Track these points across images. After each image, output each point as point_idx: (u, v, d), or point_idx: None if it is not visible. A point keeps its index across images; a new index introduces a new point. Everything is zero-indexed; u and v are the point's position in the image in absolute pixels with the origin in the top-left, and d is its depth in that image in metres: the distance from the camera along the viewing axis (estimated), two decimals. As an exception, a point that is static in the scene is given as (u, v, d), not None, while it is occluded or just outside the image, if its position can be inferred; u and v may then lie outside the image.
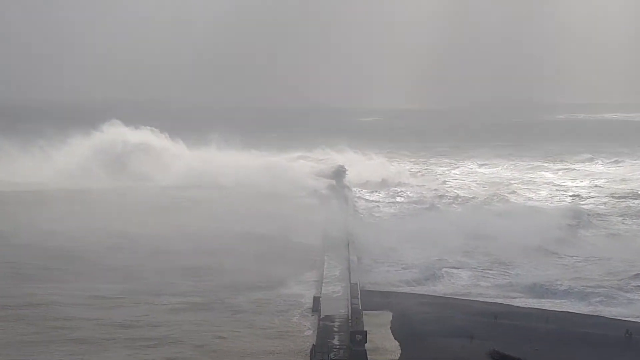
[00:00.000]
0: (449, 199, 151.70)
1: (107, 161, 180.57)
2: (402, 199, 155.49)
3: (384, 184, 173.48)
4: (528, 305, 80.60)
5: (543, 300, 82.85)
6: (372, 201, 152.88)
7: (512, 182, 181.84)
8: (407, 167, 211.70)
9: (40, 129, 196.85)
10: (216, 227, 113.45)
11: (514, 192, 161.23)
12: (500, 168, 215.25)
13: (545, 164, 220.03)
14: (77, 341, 64.16)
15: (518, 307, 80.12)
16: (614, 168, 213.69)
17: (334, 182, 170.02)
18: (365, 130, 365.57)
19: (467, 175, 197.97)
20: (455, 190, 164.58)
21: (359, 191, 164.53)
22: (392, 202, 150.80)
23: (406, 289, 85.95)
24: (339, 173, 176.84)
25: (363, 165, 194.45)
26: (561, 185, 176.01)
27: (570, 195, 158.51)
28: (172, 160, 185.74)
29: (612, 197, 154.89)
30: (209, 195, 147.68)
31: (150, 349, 63.05)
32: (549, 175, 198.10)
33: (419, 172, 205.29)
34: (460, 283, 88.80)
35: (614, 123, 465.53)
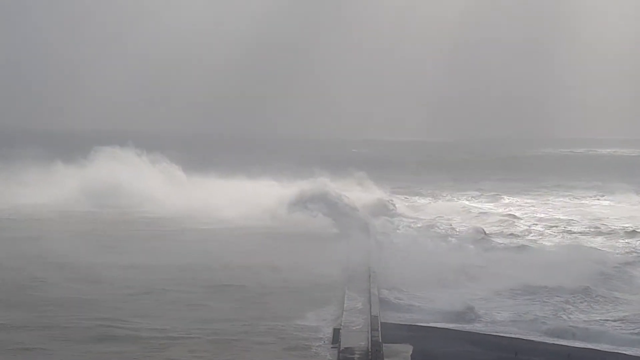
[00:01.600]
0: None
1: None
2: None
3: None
4: (549, 342, 79.97)
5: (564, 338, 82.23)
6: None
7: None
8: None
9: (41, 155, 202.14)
10: (229, 260, 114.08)
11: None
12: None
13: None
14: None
15: (539, 342, 79.47)
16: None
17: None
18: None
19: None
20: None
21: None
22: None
23: (427, 322, 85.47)
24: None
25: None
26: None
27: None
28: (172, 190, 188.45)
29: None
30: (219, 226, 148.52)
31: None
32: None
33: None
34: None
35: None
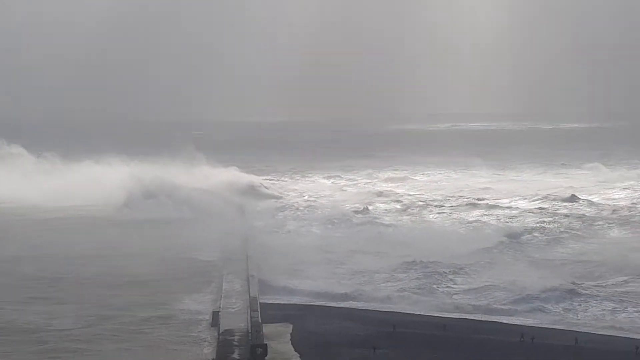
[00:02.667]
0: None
1: None
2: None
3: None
4: (426, 314, 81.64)
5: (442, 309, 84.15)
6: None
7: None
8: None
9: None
10: (108, 246, 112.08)
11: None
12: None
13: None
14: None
15: (416, 314, 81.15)
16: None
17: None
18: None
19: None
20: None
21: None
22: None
23: (306, 301, 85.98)
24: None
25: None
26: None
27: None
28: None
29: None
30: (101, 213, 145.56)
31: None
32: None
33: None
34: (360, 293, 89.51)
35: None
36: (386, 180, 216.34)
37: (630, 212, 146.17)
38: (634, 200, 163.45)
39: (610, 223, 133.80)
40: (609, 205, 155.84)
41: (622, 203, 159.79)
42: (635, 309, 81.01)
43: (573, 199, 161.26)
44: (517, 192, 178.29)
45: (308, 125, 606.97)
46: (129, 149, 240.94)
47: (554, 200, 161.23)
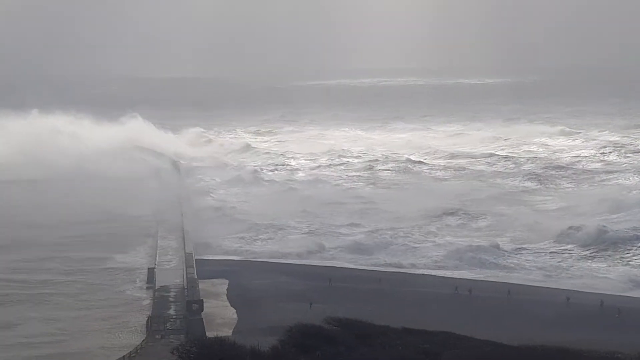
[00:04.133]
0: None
1: None
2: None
3: None
4: (360, 267, 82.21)
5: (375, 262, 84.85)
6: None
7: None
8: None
9: None
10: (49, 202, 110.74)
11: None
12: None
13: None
14: None
15: (351, 269, 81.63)
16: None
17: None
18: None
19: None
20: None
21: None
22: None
23: (242, 257, 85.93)
24: None
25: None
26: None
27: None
28: None
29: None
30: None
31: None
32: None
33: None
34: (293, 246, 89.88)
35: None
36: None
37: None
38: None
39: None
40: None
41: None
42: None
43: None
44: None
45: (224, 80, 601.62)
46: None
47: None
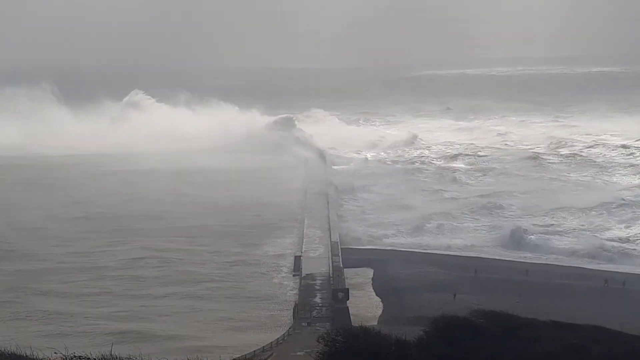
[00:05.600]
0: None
1: None
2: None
3: None
4: (508, 259, 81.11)
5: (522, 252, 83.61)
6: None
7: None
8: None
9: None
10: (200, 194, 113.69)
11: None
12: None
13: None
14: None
15: (498, 259, 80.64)
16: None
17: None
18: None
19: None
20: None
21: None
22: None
23: (387, 246, 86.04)
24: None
25: None
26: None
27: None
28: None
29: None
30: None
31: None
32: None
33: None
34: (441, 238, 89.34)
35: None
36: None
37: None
38: None
39: None
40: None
41: None
42: None
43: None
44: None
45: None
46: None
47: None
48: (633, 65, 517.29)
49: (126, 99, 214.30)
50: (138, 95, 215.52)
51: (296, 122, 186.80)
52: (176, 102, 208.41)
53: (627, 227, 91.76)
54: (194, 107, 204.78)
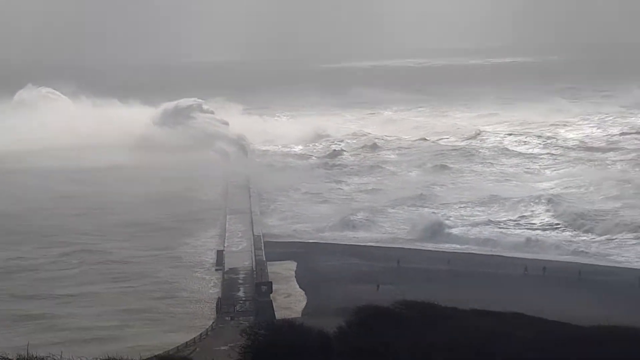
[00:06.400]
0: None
1: None
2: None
3: None
4: (430, 249, 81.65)
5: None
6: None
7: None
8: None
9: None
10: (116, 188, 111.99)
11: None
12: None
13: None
14: None
15: (420, 249, 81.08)
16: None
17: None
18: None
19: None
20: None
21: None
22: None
23: (310, 239, 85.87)
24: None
25: None
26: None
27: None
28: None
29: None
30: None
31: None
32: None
33: None
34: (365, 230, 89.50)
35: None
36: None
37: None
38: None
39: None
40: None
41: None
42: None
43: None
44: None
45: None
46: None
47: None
48: (545, 55, 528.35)
49: (19, 93, 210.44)
50: (35, 90, 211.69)
51: (205, 107, 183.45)
52: (75, 98, 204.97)
53: (546, 217, 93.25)
54: (99, 104, 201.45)
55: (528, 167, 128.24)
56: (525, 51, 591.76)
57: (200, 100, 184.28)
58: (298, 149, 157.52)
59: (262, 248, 73.36)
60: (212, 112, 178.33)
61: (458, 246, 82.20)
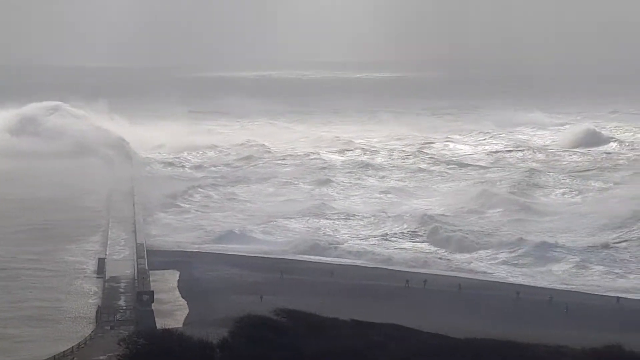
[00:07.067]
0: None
1: None
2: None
3: None
4: (312, 260, 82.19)
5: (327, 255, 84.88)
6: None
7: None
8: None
9: None
10: None
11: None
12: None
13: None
14: None
15: (304, 261, 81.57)
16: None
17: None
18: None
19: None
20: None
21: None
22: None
23: (193, 248, 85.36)
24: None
25: None
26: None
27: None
28: None
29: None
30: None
31: None
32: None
33: None
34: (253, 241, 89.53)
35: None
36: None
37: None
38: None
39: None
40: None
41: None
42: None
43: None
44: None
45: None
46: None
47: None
48: (426, 71, 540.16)
49: None
50: None
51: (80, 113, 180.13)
52: None
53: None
54: None
55: (404, 183, 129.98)
56: (406, 66, 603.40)
57: (61, 103, 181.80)
58: (185, 157, 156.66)
59: (145, 257, 72.64)
60: (85, 117, 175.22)
61: (341, 259, 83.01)
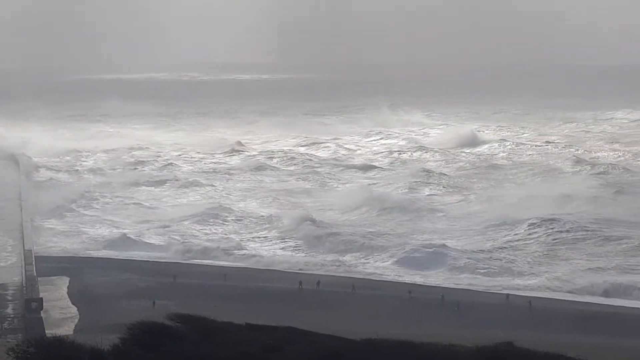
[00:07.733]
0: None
1: None
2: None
3: None
4: (205, 264, 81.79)
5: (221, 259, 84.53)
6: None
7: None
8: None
9: None
10: None
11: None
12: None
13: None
14: None
15: (196, 264, 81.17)
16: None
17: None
18: None
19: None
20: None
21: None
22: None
23: (83, 254, 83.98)
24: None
25: None
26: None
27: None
28: None
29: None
30: None
31: None
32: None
33: None
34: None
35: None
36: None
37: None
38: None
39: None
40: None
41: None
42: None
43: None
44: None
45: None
46: None
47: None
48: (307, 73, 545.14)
49: None
50: None
51: None
52: None
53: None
54: None
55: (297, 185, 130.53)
56: (290, 68, 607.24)
57: None
58: (71, 161, 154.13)
59: (33, 263, 70.91)
60: None
61: (234, 262, 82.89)
